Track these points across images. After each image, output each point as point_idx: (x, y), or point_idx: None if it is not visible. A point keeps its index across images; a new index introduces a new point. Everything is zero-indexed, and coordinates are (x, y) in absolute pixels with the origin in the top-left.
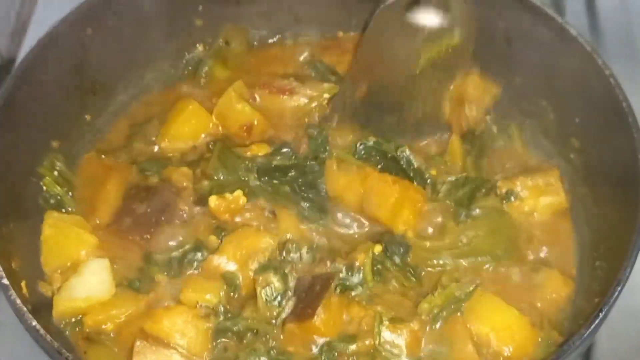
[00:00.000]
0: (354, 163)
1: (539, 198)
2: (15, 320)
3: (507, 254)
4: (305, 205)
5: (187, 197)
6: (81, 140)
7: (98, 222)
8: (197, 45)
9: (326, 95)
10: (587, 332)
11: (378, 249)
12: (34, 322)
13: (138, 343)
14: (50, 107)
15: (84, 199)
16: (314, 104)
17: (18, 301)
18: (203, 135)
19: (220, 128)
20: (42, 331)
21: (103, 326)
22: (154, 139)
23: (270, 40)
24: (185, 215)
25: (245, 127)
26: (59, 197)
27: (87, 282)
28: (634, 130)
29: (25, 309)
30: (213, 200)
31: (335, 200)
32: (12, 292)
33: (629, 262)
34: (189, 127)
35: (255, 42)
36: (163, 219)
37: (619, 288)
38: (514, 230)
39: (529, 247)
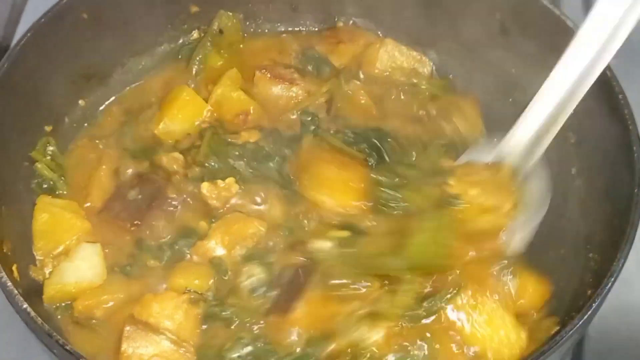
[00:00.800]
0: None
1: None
2: (5, 305)
3: None
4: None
5: (178, 184)
6: (75, 125)
7: (90, 206)
8: (193, 32)
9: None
10: (580, 323)
11: (344, 234)
12: (25, 305)
13: (128, 328)
14: (43, 91)
15: (76, 183)
16: (310, 100)
17: (9, 284)
18: (197, 123)
19: (215, 115)
20: (32, 314)
21: (94, 311)
22: (148, 125)
23: (266, 29)
24: (175, 202)
25: (241, 115)
26: (51, 182)
27: (78, 267)
28: (630, 123)
29: (16, 291)
30: (205, 187)
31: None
32: (3, 275)
33: (622, 254)
34: (182, 115)
35: (250, 30)
36: (154, 205)
37: (612, 280)
38: None
39: None
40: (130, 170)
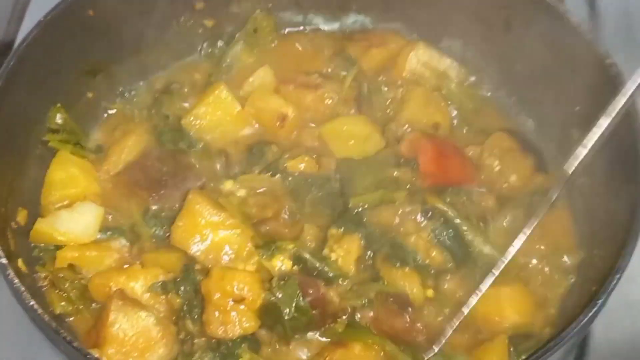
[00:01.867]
0: None
1: None
2: (10, 301)
3: None
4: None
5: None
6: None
7: (106, 170)
8: (199, 29)
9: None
10: (585, 320)
11: None
12: (32, 302)
13: (117, 302)
14: (50, 84)
15: (98, 147)
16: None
17: (16, 281)
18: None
19: (252, 119)
20: (40, 311)
21: (77, 266)
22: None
23: (298, 29)
24: (199, 182)
25: (279, 119)
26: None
27: (74, 219)
28: (635, 120)
29: (23, 288)
30: (229, 184)
31: None
32: (10, 272)
33: (627, 251)
34: (213, 113)
35: (284, 31)
36: (175, 181)
37: (618, 276)
38: None
39: None
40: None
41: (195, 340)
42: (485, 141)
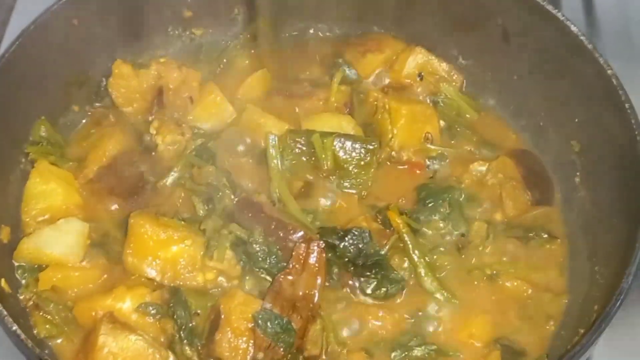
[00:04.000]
0: None
1: None
2: None
3: None
4: None
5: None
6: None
7: (85, 178)
8: (186, 35)
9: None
10: (589, 341)
11: None
12: (15, 327)
13: (108, 325)
14: (34, 97)
15: (76, 155)
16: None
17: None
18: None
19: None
20: (23, 336)
21: (60, 288)
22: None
23: (293, 34)
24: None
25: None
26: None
27: (60, 240)
28: (637, 132)
29: (5, 312)
30: None
31: None
32: None
33: (630, 270)
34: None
35: (284, 35)
36: (148, 187)
37: (621, 297)
38: None
39: None
40: (134, 149)
41: None
42: (492, 163)
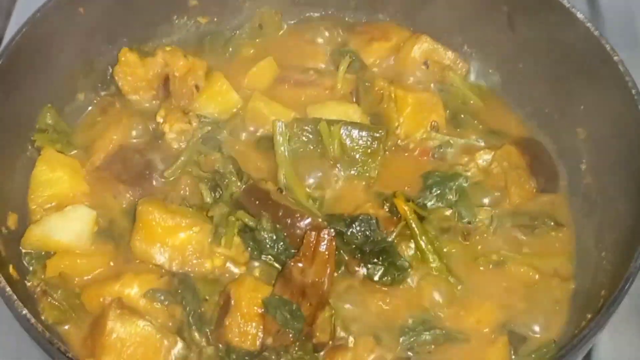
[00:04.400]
0: None
1: None
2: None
3: None
4: None
5: None
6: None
7: (91, 165)
8: (191, 23)
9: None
10: (597, 326)
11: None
12: (24, 311)
13: (116, 311)
14: (40, 85)
15: (83, 143)
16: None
17: (8, 289)
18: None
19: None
20: (32, 320)
21: (67, 275)
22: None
23: (299, 22)
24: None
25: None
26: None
27: (67, 227)
28: None
29: (15, 297)
30: None
31: None
32: (1, 280)
33: (638, 255)
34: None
35: (286, 24)
36: (155, 175)
37: (630, 281)
38: None
39: None
40: (140, 138)
41: (203, 350)
42: (497, 152)
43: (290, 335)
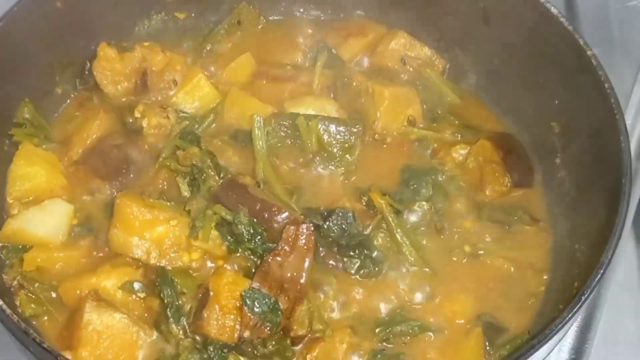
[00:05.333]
0: None
1: None
2: None
3: None
4: None
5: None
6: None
7: (69, 159)
8: (169, 18)
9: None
10: (569, 317)
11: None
12: (0, 302)
13: (92, 303)
14: (18, 79)
15: (61, 137)
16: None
17: None
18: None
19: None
20: (8, 311)
21: (44, 268)
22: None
23: (277, 18)
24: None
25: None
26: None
27: (44, 220)
28: (616, 112)
29: None
30: None
31: None
32: None
33: (610, 246)
34: (192, 98)
35: (265, 19)
36: (133, 169)
37: (601, 272)
38: None
39: None
40: (120, 132)
41: (181, 342)
42: (472, 147)
43: (267, 329)
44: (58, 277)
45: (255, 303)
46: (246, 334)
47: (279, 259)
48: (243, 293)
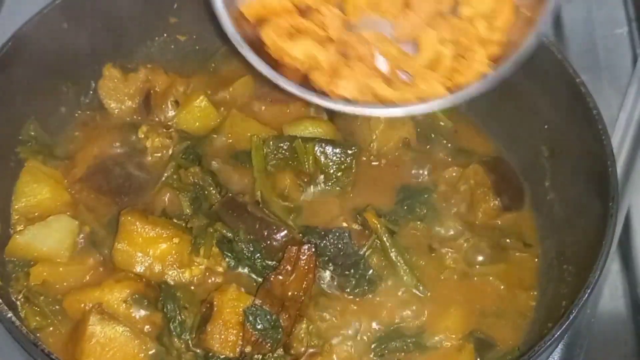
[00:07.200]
0: None
1: None
2: None
3: None
4: None
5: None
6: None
7: (74, 177)
8: (170, 40)
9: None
10: (557, 334)
11: None
12: (9, 314)
13: (96, 316)
14: (24, 98)
15: (66, 154)
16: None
17: None
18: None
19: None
20: (17, 323)
21: (50, 283)
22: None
23: None
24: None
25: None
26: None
27: (49, 236)
28: (604, 138)
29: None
30: None
31: None
32: None
33: (598, 267)
34: (193, 118)
35: None
36: (136, 187)
37: (589, 291)
38: None
39: None
40: (122, 152)
41: (183, 356)
42: (464, 170)
43: (268, 345)
44: (63, 290)
45: (257, 319)
46: (247, 349)
47: (280, 277)
48: (245, 310)
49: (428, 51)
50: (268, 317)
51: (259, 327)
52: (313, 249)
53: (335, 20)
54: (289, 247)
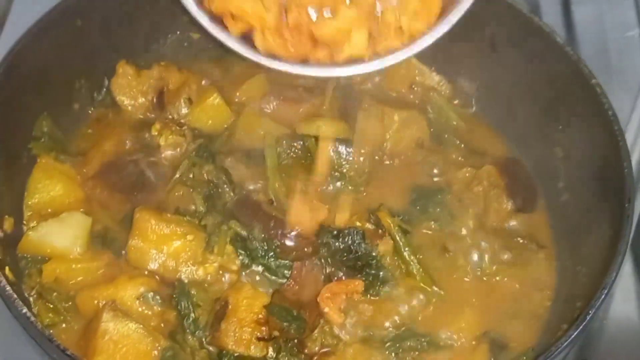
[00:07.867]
0: None
1: None
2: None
3: None
4: None
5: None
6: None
7: (87, 173)
8: (184, 37)
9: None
10: (574, 335)
11: None
12: (24, 310)
13: (110, 313)
14: (37, 95)
15: (79, 151)
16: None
17: (8, 288)
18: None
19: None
20: (32, 319)
21: (62, 280)
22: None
23: None
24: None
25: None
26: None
27: (63, 232)
28: (620, 139)
29: (15, 296)
30: None
31: None
32: (2, 279)
33: (614, 268)
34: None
35: None
36: (150, 184)
37: (605, 292)
38: None
39: None
40: (136, 148)
41: (196, 353)
42: (477, 171)
43: (293, 330)
44: (76, 287)
45: (282, 312)
46: (275, 333)
47: (292, 288)
48: (267, 306)
49: None
50: (289, 312)
51: (282, 317)
52: (317, 264)
53: None
54: (295, 263)
